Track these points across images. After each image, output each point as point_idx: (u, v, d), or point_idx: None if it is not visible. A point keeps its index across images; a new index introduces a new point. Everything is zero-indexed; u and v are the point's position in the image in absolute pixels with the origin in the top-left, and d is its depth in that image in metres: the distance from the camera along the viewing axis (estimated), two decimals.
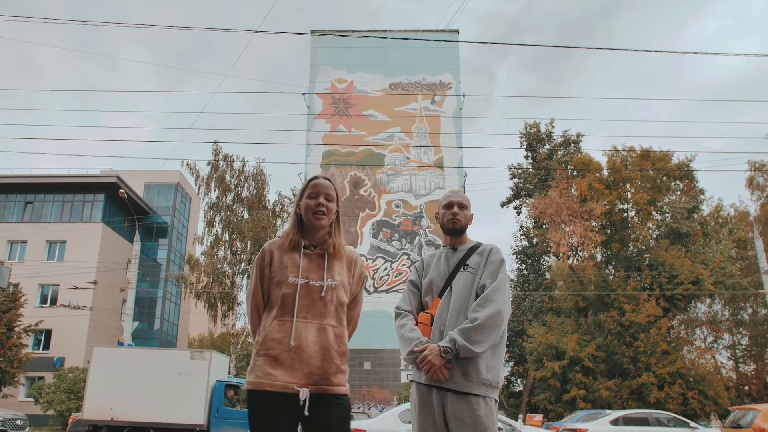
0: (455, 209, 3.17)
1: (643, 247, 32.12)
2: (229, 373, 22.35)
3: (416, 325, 3.02)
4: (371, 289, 32.38)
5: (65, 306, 31.21)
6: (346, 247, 2.78)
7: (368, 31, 36.11)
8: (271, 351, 2.51)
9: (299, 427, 2.53)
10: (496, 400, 2.88)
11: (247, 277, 33.91)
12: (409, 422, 10.98)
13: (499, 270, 2.98)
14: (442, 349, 2.77)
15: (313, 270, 2.62)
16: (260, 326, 2.64)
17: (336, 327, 2.61)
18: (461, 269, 3.05)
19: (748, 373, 36.01)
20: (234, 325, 35.75)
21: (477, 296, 2.94)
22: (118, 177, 38.89)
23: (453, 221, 3.16)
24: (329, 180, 2.74)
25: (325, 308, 2.59)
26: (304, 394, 2.43)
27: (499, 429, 11.64)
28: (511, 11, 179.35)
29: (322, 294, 2.58)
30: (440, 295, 3.04)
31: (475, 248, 3.12)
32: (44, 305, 35.79)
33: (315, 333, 2.54)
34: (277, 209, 35.16)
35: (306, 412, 2.42)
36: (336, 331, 2.60)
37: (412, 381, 3.02)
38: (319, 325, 2.56)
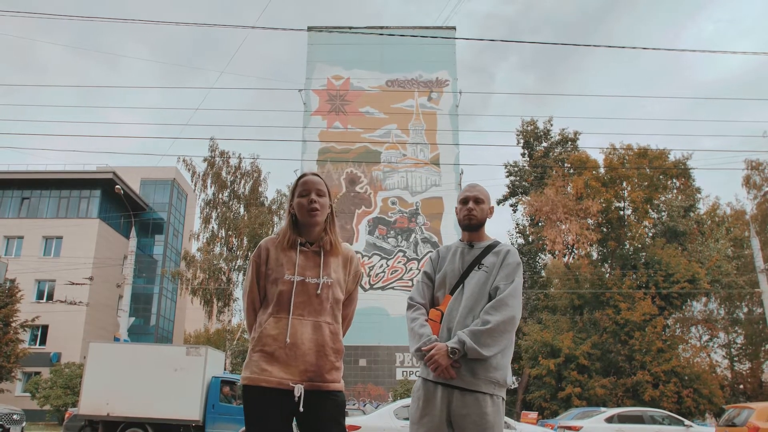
0: (471, 204, 3.10)
1: (639, 246, 32.13)
2: (225, 369, 22.37)
3: (427, 320, 2.98)
4: (367, 287, 32.36)
5: (61, 302, 31.14)
6: (343, 244, 2.79)
7: (365, 27, 36.04)
8: (267, 347, 2.53)
9: (294, 422, 2.55)
10: (503, 399, 2.84)
11: (243, 274, 33.89)
12: (405, 419, 11.04)
13: (515, 273, 2.93)
14: (450, 350, 2.74)
15: (309, 267, 2.64)
16: (256, 323, 2.66)
17: (331, 324, 2.63)
18: (476, 267, 3.00)
19: (743, 372, 36.13)
20: (230, 321, 35.73)
21: (490, 297, 2.90)
22: (114, 173, 38.80)
23: (468, 217, 3.09)
24: (318, 176, 2.75)
25: (321, 306, 2.61)
26: (299, 390, 2.45)
27: None
28: (509, 13, 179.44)
29: (318, 291, 2.60)
30: (452, 292, 3.00)
31: (492, 247, 3.07)
32: (41, 301, 35.73)
33: (311, 330, 2.56)
34: (274, 206, 35.13)
35: (301, 408, 2.45)
36: (331, 328, 2.62)
37: (419, 376, 2.99)
38: (314, 322, 2.58)
